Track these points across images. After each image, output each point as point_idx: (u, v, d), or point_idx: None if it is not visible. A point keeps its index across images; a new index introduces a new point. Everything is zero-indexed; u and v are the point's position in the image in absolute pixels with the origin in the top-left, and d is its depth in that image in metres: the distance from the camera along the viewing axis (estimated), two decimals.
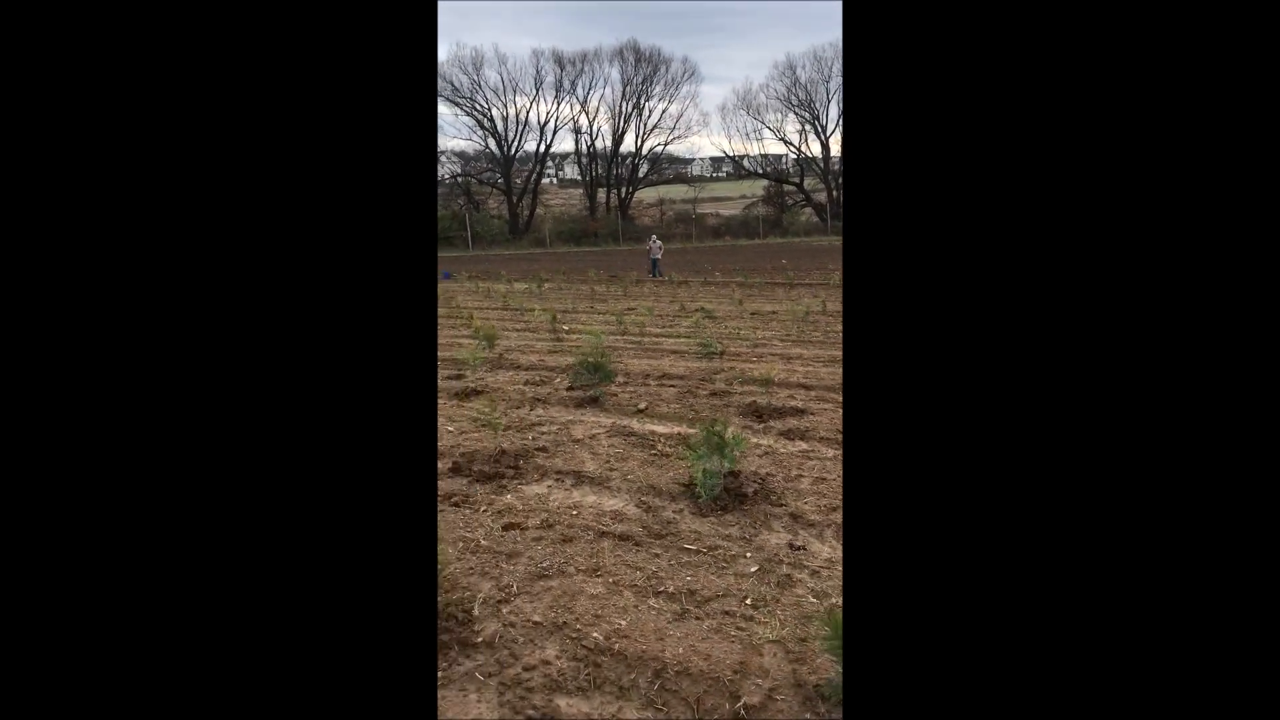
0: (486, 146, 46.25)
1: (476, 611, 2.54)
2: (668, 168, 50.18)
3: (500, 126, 45.49)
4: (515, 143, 46.21)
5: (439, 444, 4.86)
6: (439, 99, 45.27)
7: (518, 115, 45.40)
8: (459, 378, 7.03)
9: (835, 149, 44.33)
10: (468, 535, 3.24)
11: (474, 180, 46.44)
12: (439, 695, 2.08)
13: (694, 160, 61.29)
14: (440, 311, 13.38)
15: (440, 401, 6.11)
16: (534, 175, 47.59)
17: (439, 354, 8.59)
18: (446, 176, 47.81)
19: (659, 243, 22.66)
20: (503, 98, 45.36)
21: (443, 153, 48.47)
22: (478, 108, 45.05)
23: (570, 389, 6.28)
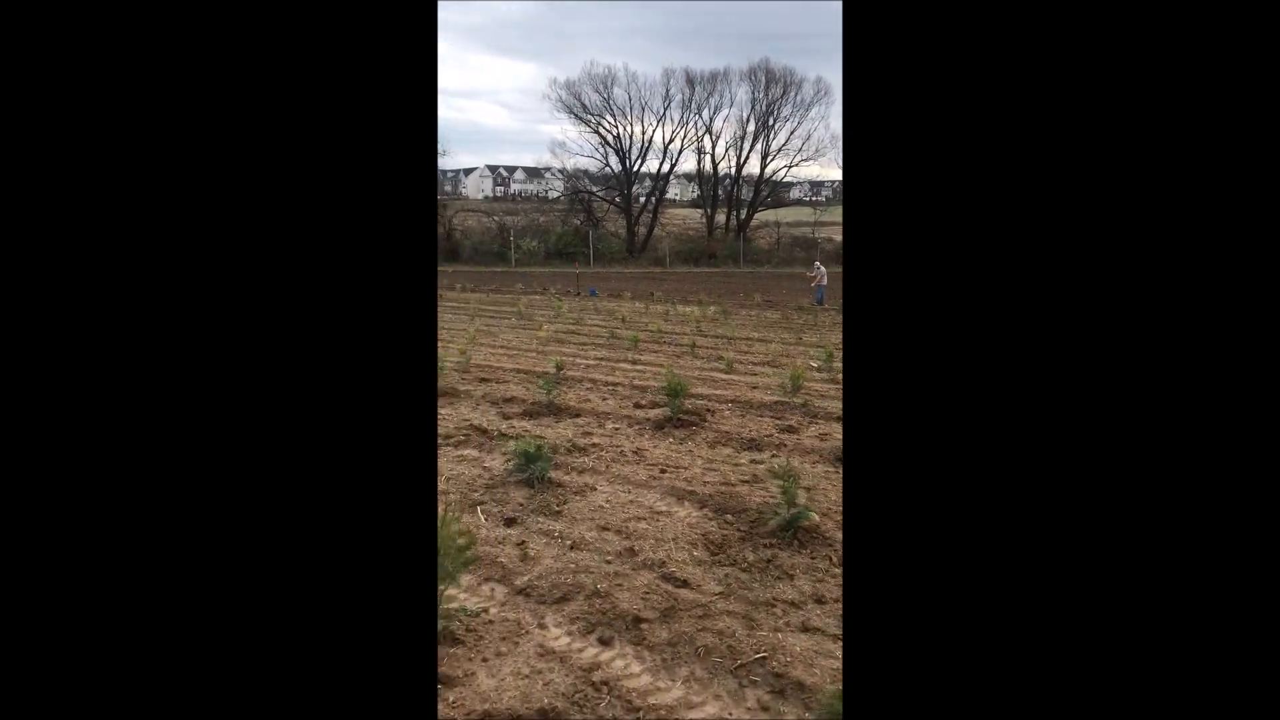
0: (607, 164, 45.84)
1: None
2: (767, 192, 48.00)
3: (624, 145, 45.06)
4: (639, 161, 45.67)
5: None
6: (569, 115, 45.32)
7: (643, 134, 44.90)
8: (790, 430, 5.74)
9: None
10: None
11: (594, 197, 46.02)
12: None
13: (795, 184, 59.08)
14: (642, 335, 12.25)
15: (828, 468, 4.82)
16: (657, 194, 46.86)
17: (720, 391, 7.38)
18: (568, 192, 47.65)
19: (823, 269, 21.13)
20: (628, 116, 45.00)
21: (550, 169, 48.37)
22: (604, 126, 44.75)
23: None
